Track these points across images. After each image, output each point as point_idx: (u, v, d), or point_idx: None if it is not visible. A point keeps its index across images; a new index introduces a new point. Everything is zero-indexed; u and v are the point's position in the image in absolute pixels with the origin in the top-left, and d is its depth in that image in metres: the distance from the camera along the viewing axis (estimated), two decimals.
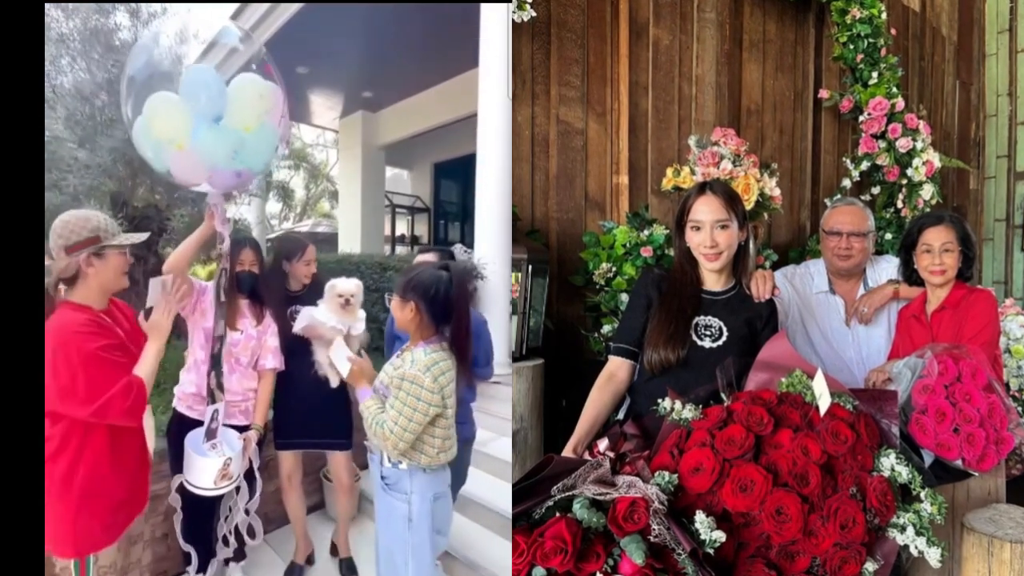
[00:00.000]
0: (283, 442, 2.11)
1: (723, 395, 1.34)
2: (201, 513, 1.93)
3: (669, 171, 2.35)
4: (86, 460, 1.31)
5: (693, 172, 2.26)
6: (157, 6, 3.31)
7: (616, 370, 1.65)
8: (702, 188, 1.62)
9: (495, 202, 3.78)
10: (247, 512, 1.89)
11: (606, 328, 2.41)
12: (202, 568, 1.99)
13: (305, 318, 1.88)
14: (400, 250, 9.27)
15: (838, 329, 2.15)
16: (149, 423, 1.58)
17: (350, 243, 8.20)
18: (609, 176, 2.62)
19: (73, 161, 2.68)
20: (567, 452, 1.49)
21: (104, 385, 1.27)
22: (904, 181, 2.79)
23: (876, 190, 2.89)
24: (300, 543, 2.25)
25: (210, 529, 2.00)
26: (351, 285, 1.93)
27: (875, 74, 2.83)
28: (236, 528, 1.94)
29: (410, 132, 7.69)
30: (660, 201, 2.59)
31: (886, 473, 1.17)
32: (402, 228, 9.88)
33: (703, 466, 1.15)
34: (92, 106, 2.84)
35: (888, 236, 2.75)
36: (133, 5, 3.31)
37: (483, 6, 3.77)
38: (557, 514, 1.10)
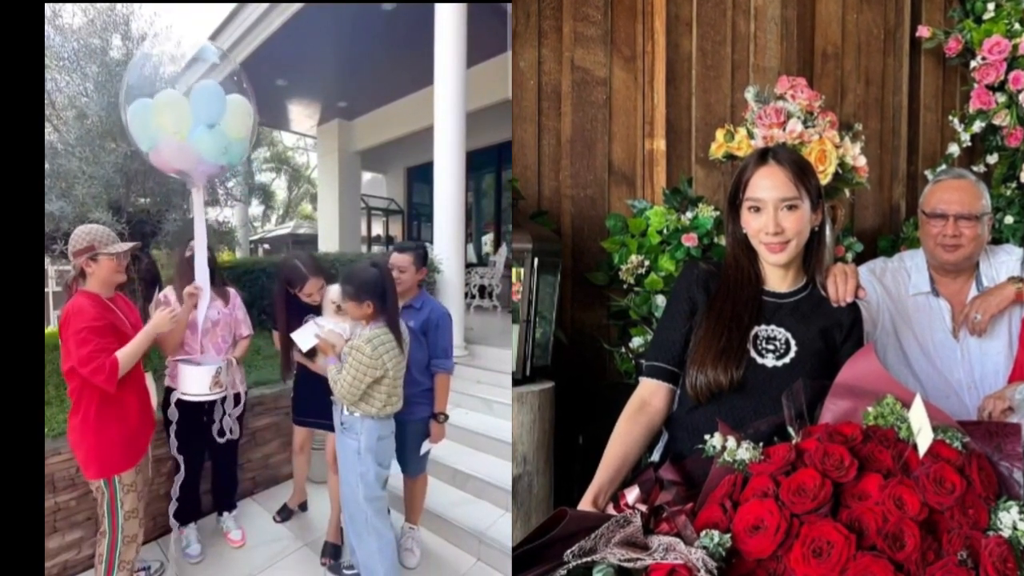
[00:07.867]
0: (300, 419, 3.27)
1: (791, 429, 1.35)
2: (192, 426, 2.85)
3: (719, 134, 2.36)
4: (95, 407, 2.29)
5: (751, 135, 2.27)
6: (148, 28, 4.79)
7: (650, 397, 1.66)
8: (763, 156, 1.63)
9: (449, 205, 5.58)
10: (229, 416, 2.93)
11: (637, 341, 2.42)
12: (192, 519, 3.16)
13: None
14: (376, 249, 12.82)
15: (943, 342, 2.15)
16: (151, 385, 2.68)
17: (329, 243, 11.56)
18: (640, 140, 2.63)
19: (80, 173, 3.89)
20: (585, 505, 1.51)
21: (95, 355, 2.19)
22: None
23: (993, 159, 2.90)
24: (297, 492, 3.60)
25: (197, 485, 3.17)
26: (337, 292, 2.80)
27: (991, 5, 2.84)
28: (221, 482, 3.32)
29: (384, 139, 10.92)
30: (708, 173, 2.60)
31: (1006, 532, 1.17)
32: (378, 229, 13.87)
33: (765, 523, 1.15)
34: (90, 121, 3.98)
35: (1008, 220, 2.76)
36: (124, 27, 4.67)
37: (436, 25, 5.44)
38: None
